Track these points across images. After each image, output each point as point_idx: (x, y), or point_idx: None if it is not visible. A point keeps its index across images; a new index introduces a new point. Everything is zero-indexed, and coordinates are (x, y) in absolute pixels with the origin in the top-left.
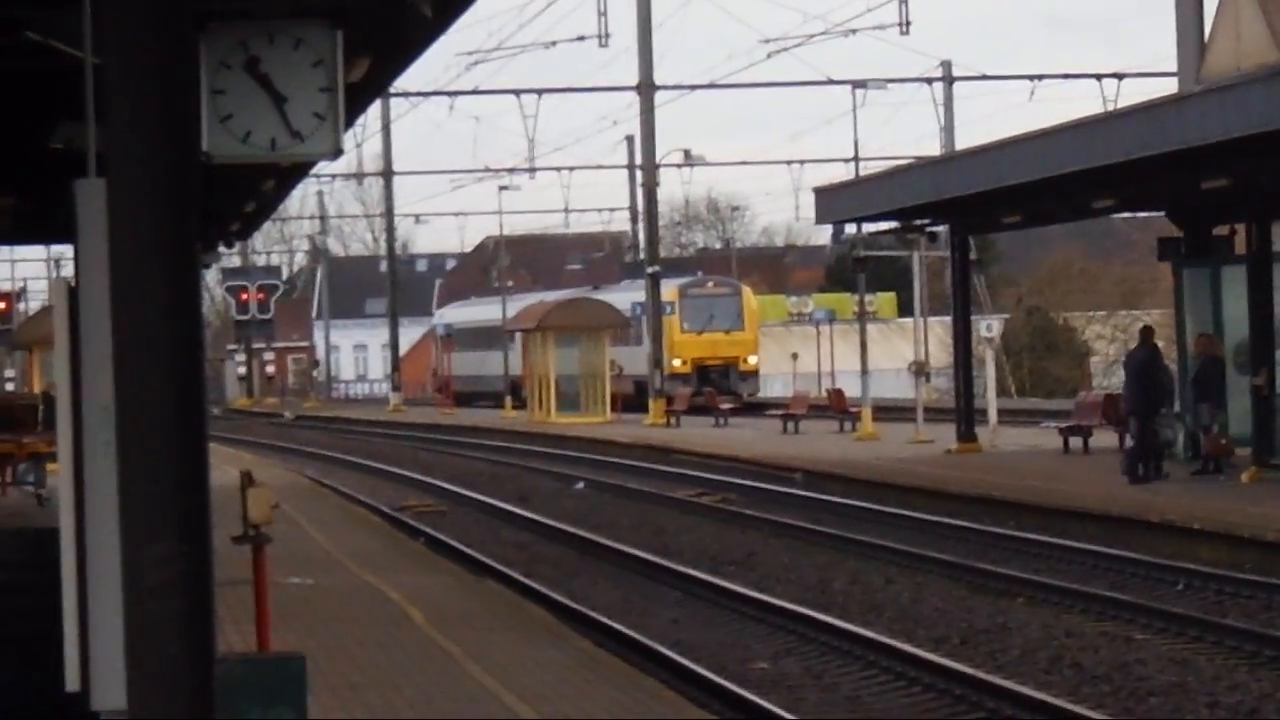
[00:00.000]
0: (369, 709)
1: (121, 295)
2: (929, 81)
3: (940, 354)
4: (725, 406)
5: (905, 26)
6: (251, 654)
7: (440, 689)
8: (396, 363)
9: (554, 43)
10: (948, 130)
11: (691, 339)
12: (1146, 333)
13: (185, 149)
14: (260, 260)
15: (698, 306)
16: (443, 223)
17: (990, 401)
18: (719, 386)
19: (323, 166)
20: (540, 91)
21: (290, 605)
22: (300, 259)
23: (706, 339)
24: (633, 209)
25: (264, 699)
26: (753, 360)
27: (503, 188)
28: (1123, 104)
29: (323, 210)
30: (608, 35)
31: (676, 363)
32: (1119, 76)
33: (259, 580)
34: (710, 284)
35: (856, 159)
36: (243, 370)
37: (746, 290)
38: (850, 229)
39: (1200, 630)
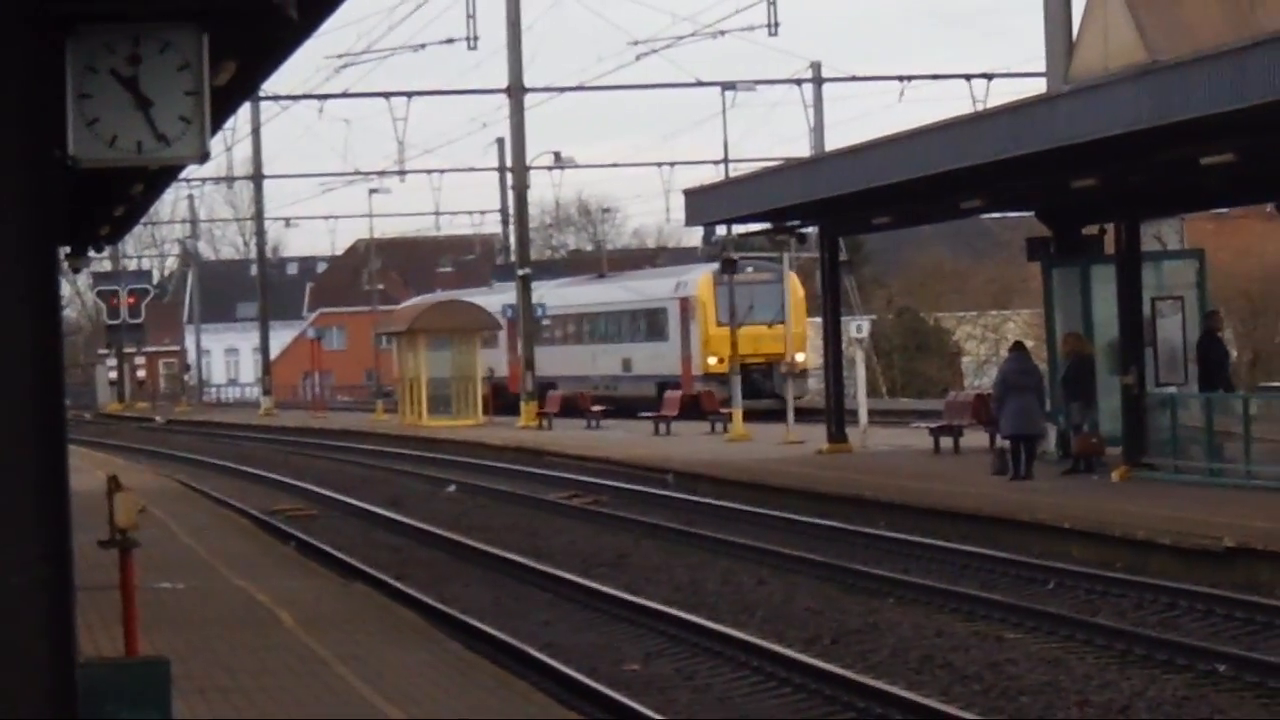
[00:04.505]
0: (237, 712)
1: None
2: (798, 83)
3: (811, 355)
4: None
5: (774, 28)
6: (116, 658)
7: (310, 692)
8: (268, 366)
9: (423, 45)
10: (817, 131)
11: (728, 334)
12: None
13: (49, 153)
14: (131, 264)
15: (735, 296)
16: (313, 226)
17: (861, 402)
18: (760, 388)
19: (192, 170)
20: (410, 94)
21: (160, 610)
22: (171, 263)
23: (746, 333)
24: (504, 211)
25: (129, 702)
26: (800, 358)
27: (373, 191)
28: (992, 104)
29: (193, 214)
30: (476, 37)
31: (712, 361)
32: (988, 76)
33: (126, 584)
34: (749, 270)
35: (727, 160)
36: (114, 375)
37: (791, 277)
38: (721, 230)
39: (1071, 629)
